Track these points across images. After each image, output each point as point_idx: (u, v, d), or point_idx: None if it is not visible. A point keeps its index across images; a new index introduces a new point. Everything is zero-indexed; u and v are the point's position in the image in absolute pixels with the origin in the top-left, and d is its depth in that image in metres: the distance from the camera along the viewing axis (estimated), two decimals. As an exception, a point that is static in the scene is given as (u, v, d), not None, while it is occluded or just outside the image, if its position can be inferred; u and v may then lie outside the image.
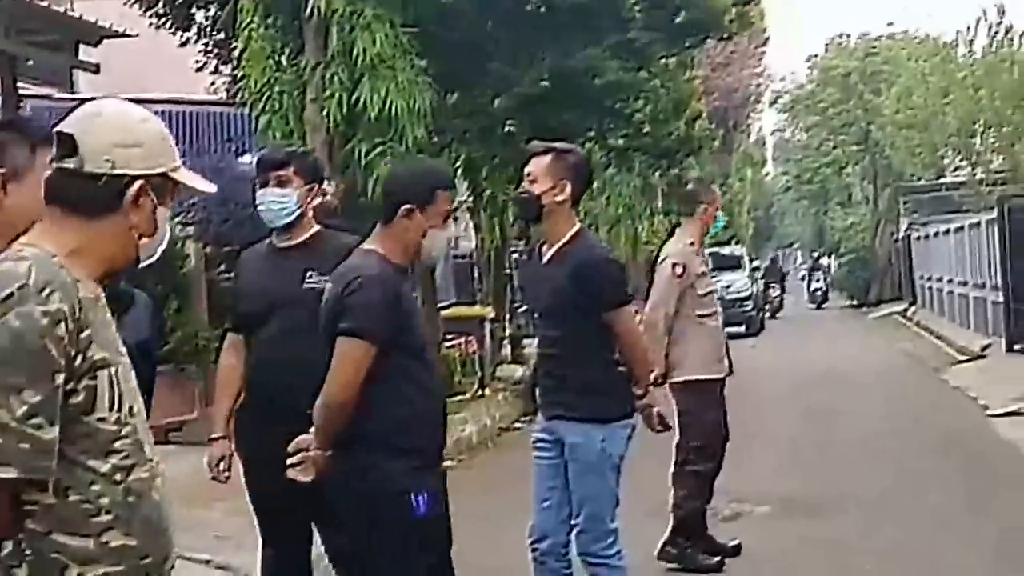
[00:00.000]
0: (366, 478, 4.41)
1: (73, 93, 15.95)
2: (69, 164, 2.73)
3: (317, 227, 5.34)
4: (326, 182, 5.79)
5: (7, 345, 2.55)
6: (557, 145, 5.87)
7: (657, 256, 8.34)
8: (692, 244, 7.86)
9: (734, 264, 30.90)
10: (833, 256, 51.31)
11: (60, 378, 2.59)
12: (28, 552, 2.61)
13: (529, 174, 5.76)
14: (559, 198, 5.67)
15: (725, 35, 19.77)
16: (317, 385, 5.00)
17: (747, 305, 29.96)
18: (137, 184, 2.76)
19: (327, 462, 4.49)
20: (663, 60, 18.48)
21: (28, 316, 2.56)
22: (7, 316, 2.56)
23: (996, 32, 30.03)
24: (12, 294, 2.57)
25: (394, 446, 4.40)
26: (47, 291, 2.59)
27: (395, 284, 4.49)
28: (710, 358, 7.75)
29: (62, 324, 2.59)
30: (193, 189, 2.94)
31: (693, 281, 7.69)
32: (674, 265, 7.66)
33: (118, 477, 2.68)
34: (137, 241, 2.81)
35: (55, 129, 2.79)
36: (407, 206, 4.53)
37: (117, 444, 2.69)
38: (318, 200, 5.41)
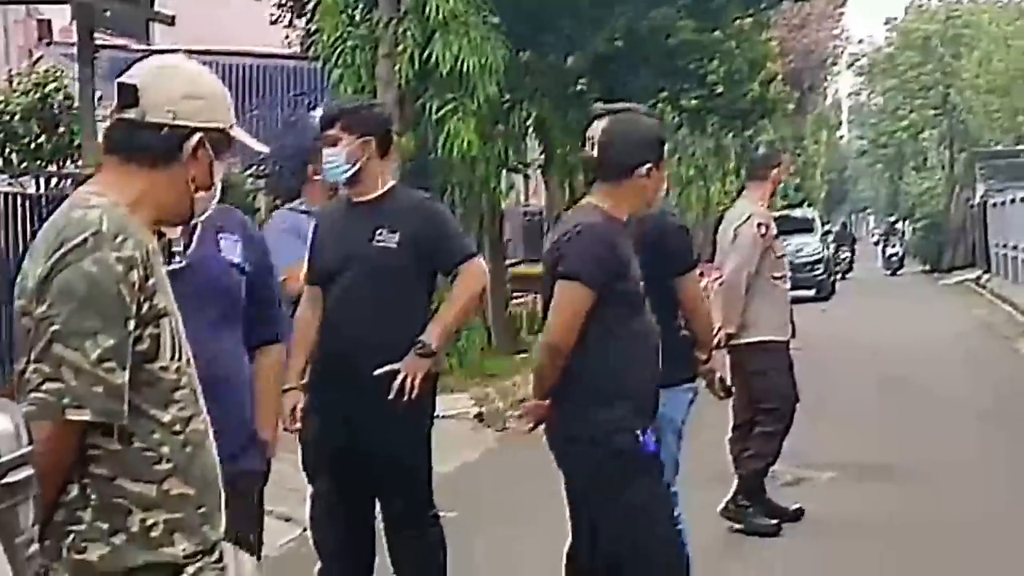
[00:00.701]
0: (587, 423, 4.56)
1: (149, 44, 16.09)
2: (130, 114, 2.78)
3: (392, 182, 5.35)
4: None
5: (83, 290, 2.60)
6: (617, 107, 5.83)
7: (720, 219, 8.28)
8: (762, 206, 7.84)
9: (806, 227, 30.58)
10: (907, 221, 50.74)
11: (131, 324, 2.65)
12: (93, 496, 2.67)
13: (591, 137, 5.73)
14: None
15: (802, -4, 19.54)
16: (380, 343, 5.02)
17: (818, 269, 29.67)
18: (197, 136, 2.80)
19: (545, 411, 4.66)
20: (738, 21, 18.30)
21: (103, 262, 2.62)
22: (83, 262, 2.61)
23: (1081, -4, 29.47)
24: (86, 239, 2.62)
25: (611, 391, 4.54)
26: (120, 238, 2.64)
27: (612, 234, 4.64)
28: (781, 320, 7.75)
29: (135, 271, 2.65)
30: (249, 148, 3.03)
31: (771, 243, 7.67)
32: (759, 225, 7.62)
33: (177, 428, 2.73)
34: (193, 194, 2.85)
35: (116, 80, 2.82)
36: (648, 164, 4.67)
37: (176, 395, 2.74)
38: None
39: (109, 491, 2.67)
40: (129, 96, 2.77)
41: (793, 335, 7.91)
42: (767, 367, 7.63)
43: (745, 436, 7.73)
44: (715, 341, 6.06)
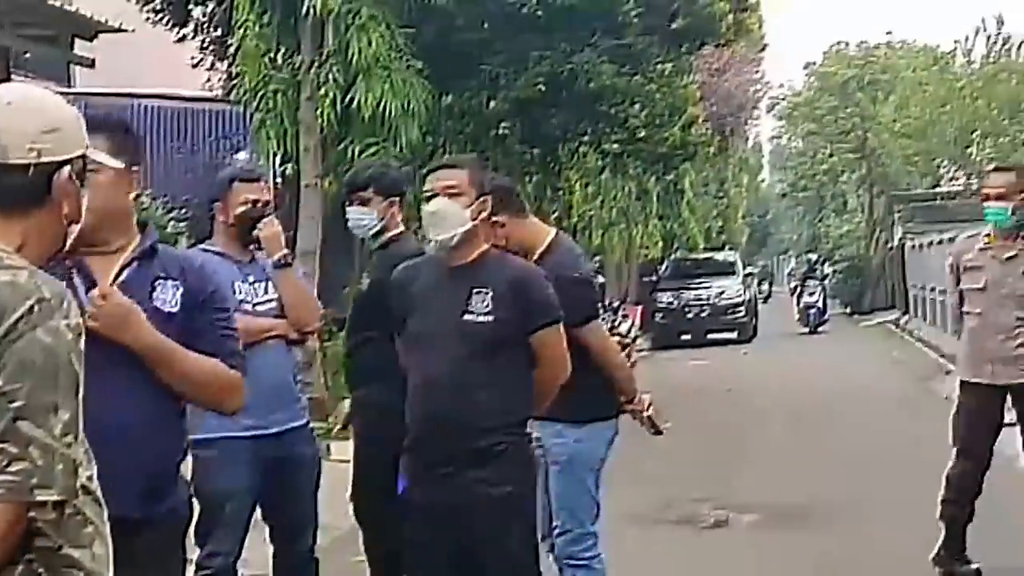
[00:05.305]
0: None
1: (69, 87, 15.95)
2: None
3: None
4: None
5: (41, 363, 2.47)
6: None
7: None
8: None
9: (728, 271, 30.72)
10: (826, 263, 51.14)
11: (80, 392, 2.53)
12: (41, 570, 2.54)
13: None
14: None
15: (722, 41, 19.81)
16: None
17: (740, 311, 29.78)
18: (66, 169, 2.68)
19: None
20: (660, 65, 18.47)
21: (56, 332, 2.50)
22: (35, 332, 2.47)
23: (994, 42, 30.15)
24: (32, 308, 2.49)
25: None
26: (65, 303, 2.53)
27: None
28: (968, 359, 7.35)
29: (81, 337, 2.55)
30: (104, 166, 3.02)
31: (960, 274, 7.26)
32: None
33: (91, 487, 2.63)
34: (67, 229, 2.73)
35: None
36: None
37: (83, 453, 2.61)
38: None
39: (58, 561, 2.54)
40: None
41: (992, 374, 7.22)
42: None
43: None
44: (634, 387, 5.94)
